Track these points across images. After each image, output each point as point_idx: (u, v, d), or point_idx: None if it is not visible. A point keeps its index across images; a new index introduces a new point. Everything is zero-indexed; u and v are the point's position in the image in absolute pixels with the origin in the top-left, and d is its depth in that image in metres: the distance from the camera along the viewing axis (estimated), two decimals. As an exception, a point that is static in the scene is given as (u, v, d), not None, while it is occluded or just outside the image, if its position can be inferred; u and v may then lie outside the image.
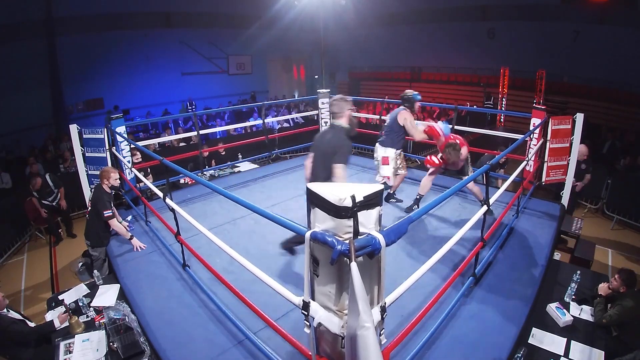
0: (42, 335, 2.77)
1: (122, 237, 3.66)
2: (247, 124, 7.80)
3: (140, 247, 3.61)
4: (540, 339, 2.47)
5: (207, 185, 2.44)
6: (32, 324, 2.87)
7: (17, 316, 2.85)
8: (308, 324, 1.62)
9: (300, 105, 13.24)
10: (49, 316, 2.89)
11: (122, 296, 2.99)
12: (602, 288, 2.78)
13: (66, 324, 2.73)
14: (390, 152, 3.99)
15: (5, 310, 2.76)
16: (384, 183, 4.09)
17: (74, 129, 4.22)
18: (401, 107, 4.05)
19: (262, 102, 6.26)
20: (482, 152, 5.34)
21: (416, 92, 4.06)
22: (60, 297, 3.11)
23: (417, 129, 3.91)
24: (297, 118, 10.73)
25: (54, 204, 5.89)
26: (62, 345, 2.53)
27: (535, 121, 4.24)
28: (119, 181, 3.74)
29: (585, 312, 2.74)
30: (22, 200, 5.79)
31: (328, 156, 2.68)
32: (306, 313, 1.59)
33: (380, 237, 1.36)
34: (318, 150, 2.86)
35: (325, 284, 1.51)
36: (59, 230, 6.26)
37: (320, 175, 2.74)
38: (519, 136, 4.00)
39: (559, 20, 12.09)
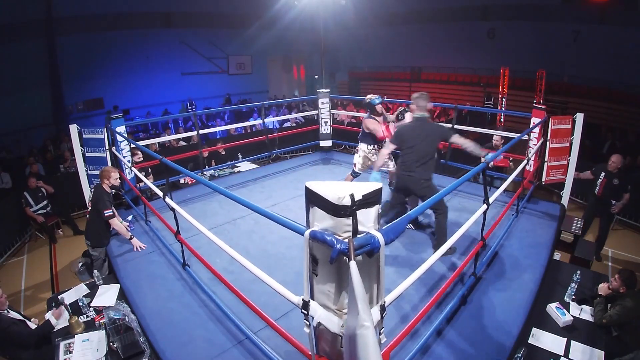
0: (41, 337, 2.77)
1: (122, 237, 3.66)
2: (247, 123, 7.81)
3: (140, 247, 3.61)
4: (540, 339, 2.47)
5: (208, 185, 2.44)
6: (32, 324, 2.87)
7: (18, 316, 2.84)
8: (307, 323, 1.61)
9: (300, 105, 13.24)
10: (49, 316, 2.89)
11: (122, 296, 2.99)
12: (602, 288, 2.78)
13: (66, 323, 2.73)
14: (362, 146, 4.42)
15: (5, 310, 2.76)
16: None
17: (74, 129, 4.22)
18: (366, 114, 4.34)
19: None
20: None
21: (376, 97, 4.25)
22: (60, 297, 3.11)
23: (378, 131, 4.18)
24: (297, 118, 10.73)
25: (47, 210, 5.96)
26: (62, 345, 2.53)
27: (535, 121, 4.24)
28: (119, 180, 3.74)
29: (585, 312, 2.74)
30: (21, 200, 5.80)
31: (437, 139, 3.28)
32: (306, 312, 1.59)
33: (379, 236, 1.36)
34: (421, 139, 3.23)
35: (324, 283, 1.51)
36: (59, 230, 6.28)
37: (430, 157, 3.24)
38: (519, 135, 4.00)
39: (559, 20, 12.08)
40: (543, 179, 4.32)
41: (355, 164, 4.50)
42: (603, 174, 4.69)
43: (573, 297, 2.85)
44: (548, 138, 4.13)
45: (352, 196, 1.32)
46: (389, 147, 3.46)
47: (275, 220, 1.73)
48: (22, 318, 2.86)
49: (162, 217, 3.40)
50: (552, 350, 2.39)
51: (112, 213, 3.52)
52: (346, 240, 1.31)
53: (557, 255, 3.79)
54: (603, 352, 2.37)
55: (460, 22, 14.41)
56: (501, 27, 13.63)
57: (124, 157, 4.42)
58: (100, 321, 2.72)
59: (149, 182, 3.77)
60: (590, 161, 7.22)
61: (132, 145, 4.48)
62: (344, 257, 1.29)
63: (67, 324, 2.69)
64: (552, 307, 2.69)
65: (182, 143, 8.26)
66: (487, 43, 14.13)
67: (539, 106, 4.38)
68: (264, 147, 5.98)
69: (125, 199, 4.62)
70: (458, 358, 2.25)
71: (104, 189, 3.59)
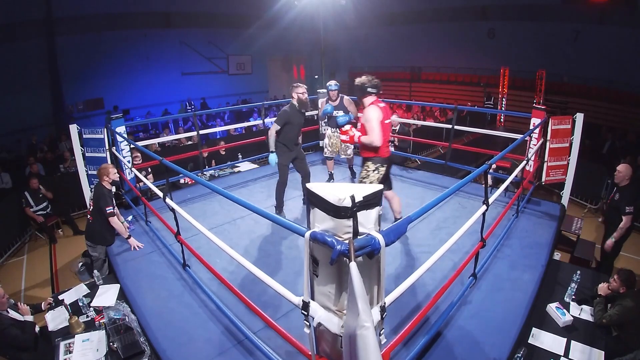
0: (39, 338, 2.77)
1: (123, 237, 3.67)
2: (248, 124, 7.81)
3: (137, 246, 3.61)
4: (540, 339, 2.47)
5: (206, 185, 2.44)
6: (30, 318, 2.86)
7: (19, 317, 2.84)
8: (308, 324, 1.62)
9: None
10: (49, 316, 2.89)
11: (122, 296, 2.99)
12: (602, 288, 2.78)
13: (66, 323, 2.73)
14: (327, 131, 5.18)
15: (6, 310, 2.76)
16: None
17: (74, 129, 4.22)
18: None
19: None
20: (482, 152, 5.34)
21: (335, 84, 4.84)
22: (60, 297, 3.11)
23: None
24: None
25: (46, 211, 5.98)
26: (62, 345, 2.53)
27: (535, 121, 4.24)
28: (117, 175, 3.73)
29: (585, 312, 2.74)
30: (21, 199, 5.80)
31: None
32: (306, 313, 1.59)
33: (379, 237, 1.36)
34: None
35: (324, 284, 1.52)
36: (59, 230, 6.29)
37: None
38: (519, 136, 4.00)
39: (559, 20, 12.09)
40: (543, 179, 4.33)
41: (325, 150, 5.10)
42: (615, 188, 4.01)
43: (573, 297, 2.85)
44: (548, 138, 4.13)
45: (352, 197, 1.33)
46: None
47: (276, 222, 1.73)
48: (23, 319, 2.85)
49: (162, 218, 3.40)
50: (552, 350, 2.39)
51: (113, 210, 3.51)
52: (346, 241, 1.31)
53: (557, 255, 3.79)
54: (603, 352, 2.37)
55: (460, 22, 14.42)
56: (501, 27, 13.65)
57: (123, 157, 4.42)
58: (100, 321, 2.72)
59: (149, 183, 3.77)
60: (590, 161, 7.26)
61: (132, 146, 4.48)
62: (345, 258, 1.29)
63: (67, 324, 2.70)
64: (552, 307, 2.69)
65: (189, 142, 8.28)
66: (487, 43, 14.14)
67: (539, 106, 4.38)
68: (264, 147, 5.97)
69: (125, 199, 4.62)
70: (458, 358, 2.25)
71: (105, 187, 3.58)
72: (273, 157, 3.86)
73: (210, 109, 12.67)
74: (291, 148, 4.04)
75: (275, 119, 3.97)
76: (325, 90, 6.30)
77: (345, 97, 4.86)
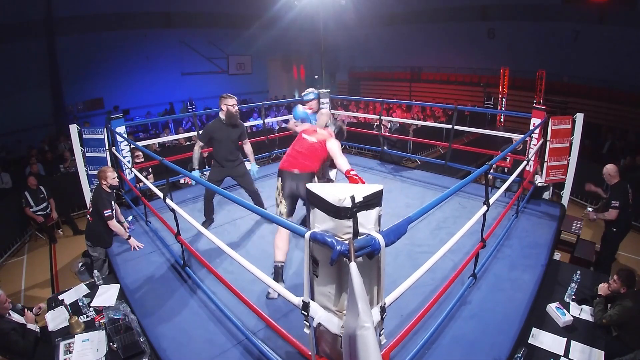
0: (39, 341, 2.77)
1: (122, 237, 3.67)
2: (248, 123, 7.80)
3: (137, 246, 3.62)
4: (540, 339, 2.48)
5: (206, 185, 2.44)
6: (32, 326, 2.86)
7: (21, 320, 2.83)
8: (308, 324, 1.62)
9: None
10: (49, 316, 2.89)
11: (122, 296, 2.99)
12: (602, 288, 2.78)
13: (66, 323, 2.73)
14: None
15: (7, 313, 2.75)
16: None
17: (74, 129, 4.22)
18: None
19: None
20: (482, 152, 5.34)
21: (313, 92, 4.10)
22: (60, 297, 3.11)
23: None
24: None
25: (46, 211, 5.97)
26: (62, 345, 2.53)
27: (535, 121, 4.24)
28: (117, 180, 3.70)
29: (585, 312, 2.74)
30: (21, 199, 5.80)
31: None
32: (306, 313, 1.60)
33: (379, 238, 1.36)
34: None
35: (325, 284, 1.52)
36: (59, 230, 6.29)
37: None
38: (519, 136, 4.00)
39: (559, 20, 12.10)
40: (543, 179, 4.33)
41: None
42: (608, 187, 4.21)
43: (573, 297, 2.85)
44: (548, 138, 4.13)
45: (352, 198, 1.33)
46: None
47: (275, 222, 1.73)
48: (24, 322, 2.85)
49: (162, 218, 3.39)
50: (552, 350, 2.39)
51: (110, 214, 3.50)
52: (346, 241, 1.31)
53: (557, 255, 3.80)
54: (603, 352, 2.37)
55: (460, 22, 14.43)
56: (501, 27, 13.65)
57: (123, 157, 4.42)
58: (100, 321, 2.72)
59: (149, 183, 3.76)
60: (591, 161, 7.26)
61: (132, 146, 4.47)
62: (345, 259, 1.29)
63: (67, 324, 2.70)
64: (552, 307, 2.70)
65: (188, 142, 8.28)
66: (487, 43, 14.14)
67: (539, 106, 4.39)
68: (264, 147, 5.98)
69: (125, 199, 4.62)
70: (458, 358, 2.25)
71: (103, 189, 3.58)
72: (195, 174, 3.53)
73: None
74: (223, 164, 3.75)
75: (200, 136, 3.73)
76: (327, 90, 6.30)
77: (325, 109, 4.07)
